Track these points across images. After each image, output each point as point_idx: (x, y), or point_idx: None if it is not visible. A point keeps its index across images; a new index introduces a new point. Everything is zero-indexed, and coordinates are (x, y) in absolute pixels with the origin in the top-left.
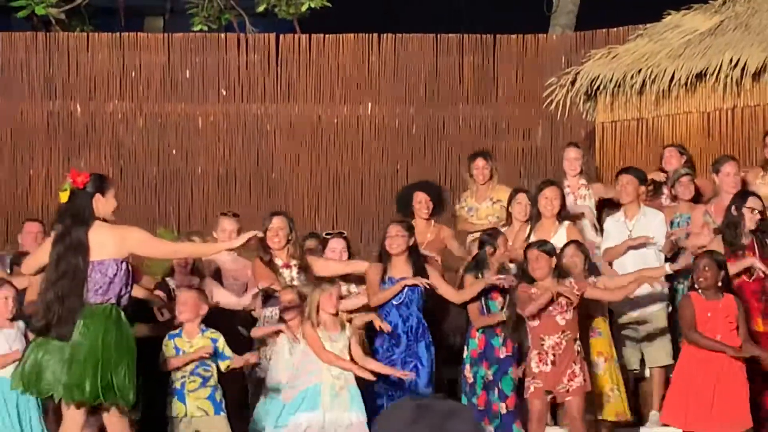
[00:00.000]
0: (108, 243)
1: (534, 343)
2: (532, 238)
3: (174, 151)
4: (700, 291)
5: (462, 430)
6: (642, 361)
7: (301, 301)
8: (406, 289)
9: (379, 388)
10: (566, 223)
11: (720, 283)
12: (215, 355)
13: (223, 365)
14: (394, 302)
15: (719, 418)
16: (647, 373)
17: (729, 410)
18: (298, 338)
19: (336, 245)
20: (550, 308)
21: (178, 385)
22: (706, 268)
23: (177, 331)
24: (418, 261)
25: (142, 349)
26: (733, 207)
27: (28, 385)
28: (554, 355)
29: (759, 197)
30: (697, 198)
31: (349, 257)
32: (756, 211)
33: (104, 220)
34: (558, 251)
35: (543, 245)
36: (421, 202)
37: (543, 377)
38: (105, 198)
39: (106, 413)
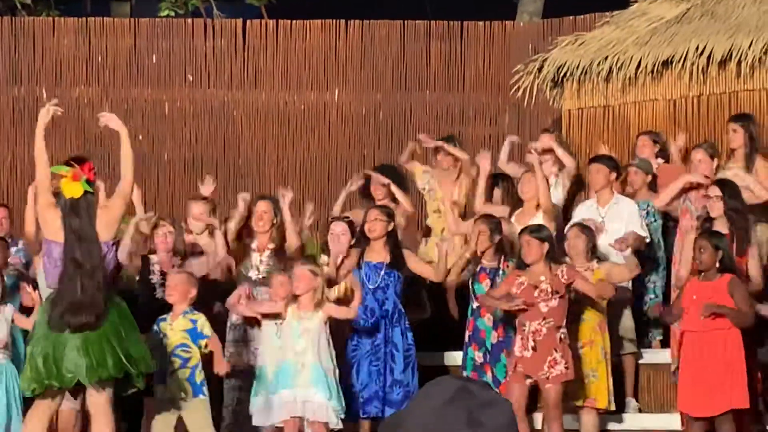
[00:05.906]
0: (101, 229)
1: (518, 327)
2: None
3: (140, 137)
4: (701, 274)
5: (497, 421)
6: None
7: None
8: (383, 273)
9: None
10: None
11: (719, 264)
12: (194, 335)
13: (200, 344)
14: (371, 286)
15: (710, 399)
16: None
17: (720, 390)
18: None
19: (335, 228)
20: (534, 294)
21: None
22: (702, 250)
23: (165, 316)
24: (395, 247)
25: None
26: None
27: (48, 378)
28: (534, 341)
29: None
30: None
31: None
32: (717, 198)
33: None
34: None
35: (535, 230)
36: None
37: (524, 362)
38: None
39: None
